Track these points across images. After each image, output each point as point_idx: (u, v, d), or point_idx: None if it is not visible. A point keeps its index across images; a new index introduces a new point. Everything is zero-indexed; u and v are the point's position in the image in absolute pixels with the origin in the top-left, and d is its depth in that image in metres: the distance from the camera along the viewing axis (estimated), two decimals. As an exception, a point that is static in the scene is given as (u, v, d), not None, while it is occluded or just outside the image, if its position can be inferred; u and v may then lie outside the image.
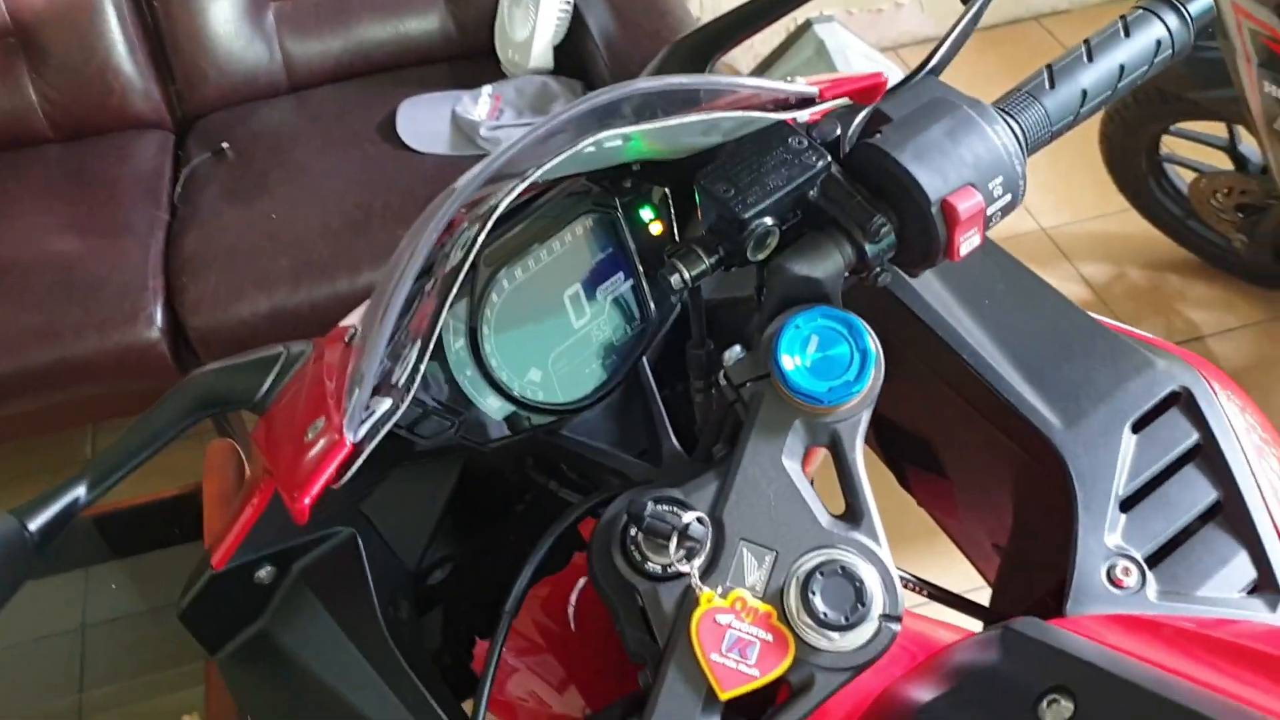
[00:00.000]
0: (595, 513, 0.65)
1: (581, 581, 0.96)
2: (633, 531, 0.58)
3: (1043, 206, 2.67)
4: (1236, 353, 2.34)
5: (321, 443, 0.56)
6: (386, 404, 0.55)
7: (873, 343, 0.59)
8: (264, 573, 0.68)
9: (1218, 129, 2.22)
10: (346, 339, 0.64)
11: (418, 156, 2.17)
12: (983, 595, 0.84)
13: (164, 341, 1.95)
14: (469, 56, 2.45)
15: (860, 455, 0.59)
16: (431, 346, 0.56)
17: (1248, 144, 2.18)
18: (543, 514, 0.80)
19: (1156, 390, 0.71)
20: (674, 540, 0.56)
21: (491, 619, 0.75)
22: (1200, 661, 0.55)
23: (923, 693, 0.58)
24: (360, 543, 0.69)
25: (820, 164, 0.62)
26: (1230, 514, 0.68)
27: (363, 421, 0.54)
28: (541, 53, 2.31)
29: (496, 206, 0.55)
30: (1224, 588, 0.66)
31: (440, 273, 0.58)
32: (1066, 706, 0.52)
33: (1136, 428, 0.70)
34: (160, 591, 1.22)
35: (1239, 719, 0.49)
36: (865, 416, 0.60)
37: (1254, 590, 0.66)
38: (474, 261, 0.65)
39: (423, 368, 0.55)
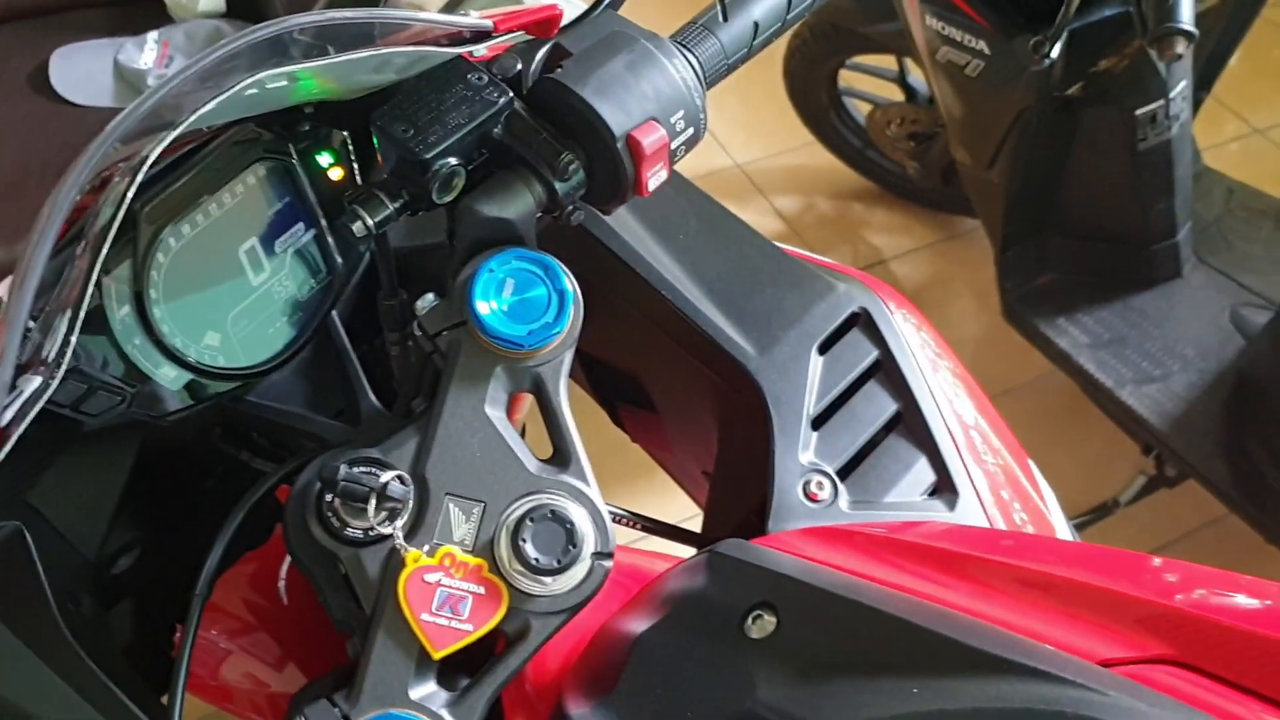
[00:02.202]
0: (291, 481, 0.62)
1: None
2: (328, 497, 0.55)
3: (735, 142, 2.77)
4: (916, 273, 2.51)
5: None
6: (36, 382, 0.49)
7: (569, 282, 0.58)
8: None
9: (889, 62, 2.36)
10: None
11: (79, 110, 2.00)
12: (700, 523, 0.87)
13: None
14: (129, 0, 2.25)
15: (565, 397, 0.59)
16: (83, 314, 0.50)
17: (916, 76, 2.33)
18: (236, 488, 0.75)
19: (838, 313, 0.75)
20: (373, 502, 0.54)
21: (189, 604, 0.70)
22: (888, 564, 0.59)
23: (638, 623, 0.59)
24: (28, 537, 0.63)
25: (502, 100, 0.60)
26: (909, 423, 0.72)
27: (7, 404, 0.48)
28: (213, -6, 2.16)
29: (146, 158, 0.50)
30: (908, 492, 0.70)
31: (91, 233, 0.53)
32: (770, 620, 0.54)
33: (823, 349, 0.74)
34: None
35: (918, 613, 0.52)
36: (567, 358, 0.59)
37: (934, 492, 0.71)
38: (134, 219, 0.59)
39: (74, 339, 0.49)
